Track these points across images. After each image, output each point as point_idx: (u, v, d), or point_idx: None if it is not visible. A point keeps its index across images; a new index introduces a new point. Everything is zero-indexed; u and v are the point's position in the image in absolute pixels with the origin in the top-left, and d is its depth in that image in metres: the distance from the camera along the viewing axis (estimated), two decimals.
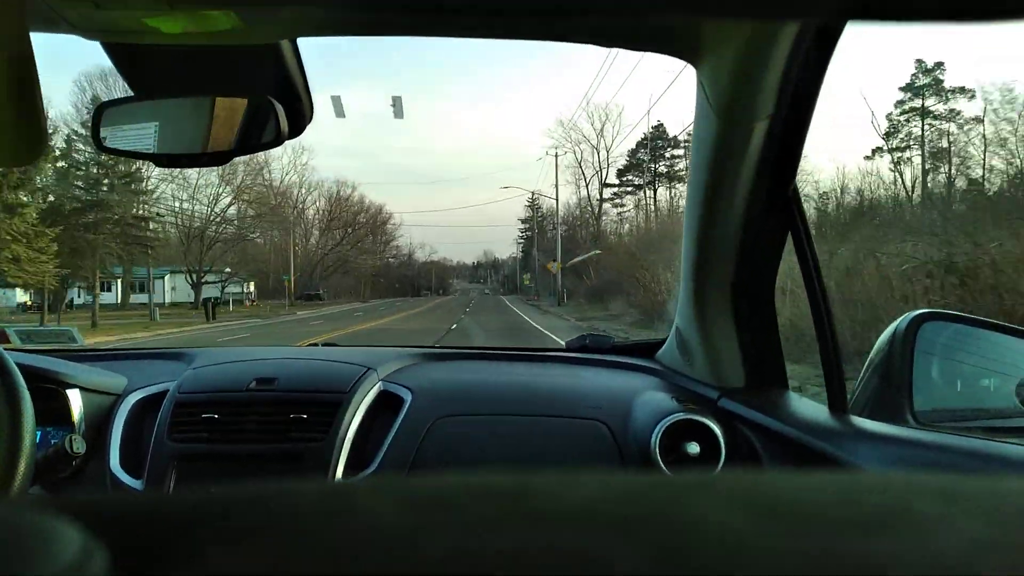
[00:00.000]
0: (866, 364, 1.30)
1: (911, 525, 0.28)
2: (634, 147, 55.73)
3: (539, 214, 76.59)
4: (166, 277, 45.47)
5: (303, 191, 65.94)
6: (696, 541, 0.26)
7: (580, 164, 57.70)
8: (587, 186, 58.24)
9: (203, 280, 42.18)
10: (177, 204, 43.99)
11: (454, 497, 0.30)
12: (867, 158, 34.45)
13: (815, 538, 0.27)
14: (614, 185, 57.80)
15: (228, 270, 47.18)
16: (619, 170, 57.42)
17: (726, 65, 1.07)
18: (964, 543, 0.26)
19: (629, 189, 57.17)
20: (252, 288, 53.29)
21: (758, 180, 1.20)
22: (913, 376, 1.22)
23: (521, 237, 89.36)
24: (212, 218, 46.17)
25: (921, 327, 1.25)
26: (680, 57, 1.11)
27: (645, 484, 0.32)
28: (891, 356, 1.24)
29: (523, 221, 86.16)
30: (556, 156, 46.15)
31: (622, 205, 57.91)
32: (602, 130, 56.95)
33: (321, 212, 73.14)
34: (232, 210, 48.64)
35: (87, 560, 0.24)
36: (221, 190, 46.10)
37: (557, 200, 46.04)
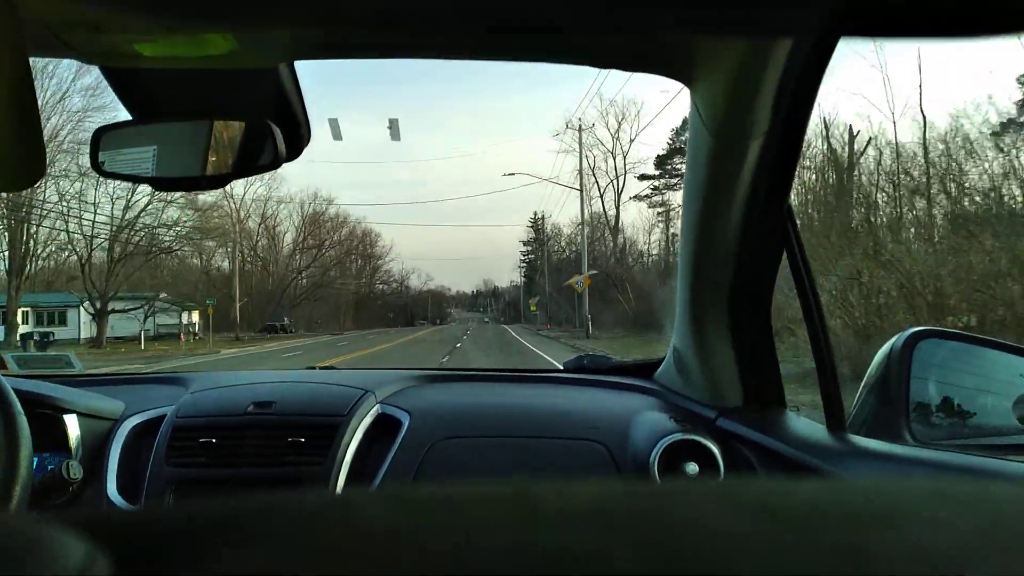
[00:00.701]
0: (863, 382, 1.30)
1: (904, 525, 0.28)
2: (679, 125, 43.24)
3: (543, 235, 69.20)
4: (83, 305, 33.76)
5: (273, 204, 56.02)
6: (694, 541, 0.27)
7: (593, 172, 45.96)
8: (601, 197, 47.19)
9: (108, 308, 31.86)
10: (67, 205, 31.90)
11: (456, 502, 0.30)
12: (995, 134, 24.35)
13: (809, 538, 0.27)
14: (652, 176, 46.74)
15: (163, 296, 37.06)
16: (660, 157, 46.56)
17: (719, 85, 1.08)
18: (957, 542, 0.26)
19: (675, 182, 44.43)
20: (195, 318, 41.84)
21: (753, 198, 1.21)
22: (910, 394, 1.22)
23: (523, 261, 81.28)
24: (121, 224, 33.87)
25: (917, 345, 1.25)
26: (674, 77, 1.12)
27: (644, 489, 0.32)
28: (888, 374, 1.24)
29: (525, 243, 78.39)
30: (580, 126, 35.61)
31: (662, 204, 46.23)
32: (618, 132, 48.63)
33: (297, 229, 62.40)
34: (146, 216, 35.55)
35: (89, 570, 0.24)
36: (135, 189, 31.39)
37: (582, 188, 33.77)
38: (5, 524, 0.31)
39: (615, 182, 47.67)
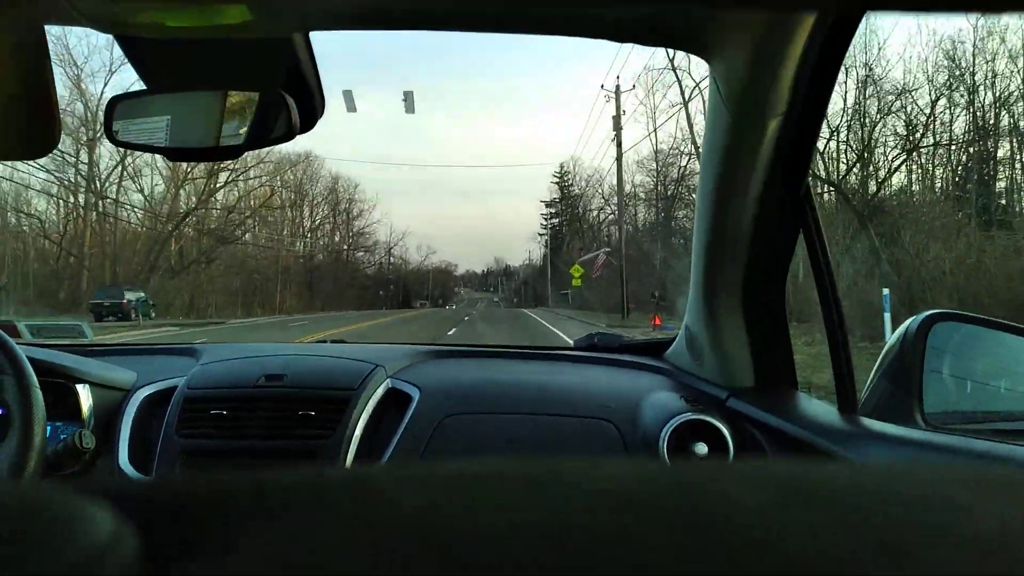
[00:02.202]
0: (876, 365, 1.29)
1: (939, 510, 0.28)
2: None
3: (569, 191, 55.25)
4: None
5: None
6: (717, 520, 0.26)
7: (674, 66, 27.99)
8: (686, 105, 28.44)
9: None
10: None
11: (472, 478, 0.30)
12: None
13: (829, 517, 0.27)
14: None
15: None
16: None
17: (739, 60, 1.07)
18: (996, 528, 0.26)
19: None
20: None
21: (770, 177, 1.19)
22: (924, 377, 1.21)
23: (545, 227, 63.18)
24: None
25: (932, 328, 1.24)
26: (694, 52, 1.11)
27: (662, 468, 0.32)
28: (901, 357, 1.24)
29: (548, 204, 62.02)
30: None
31: None
32: None
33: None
34: None
35: (118, 541, 0.24)
36: None
37: None
38: (30, 494, 0.31)
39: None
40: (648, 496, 0.29)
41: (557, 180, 60.48)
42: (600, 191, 49.21)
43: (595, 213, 51.17)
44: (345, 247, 58.24)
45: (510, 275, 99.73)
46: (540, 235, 66.43)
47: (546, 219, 64.00)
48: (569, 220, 55.83)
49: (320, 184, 53.10)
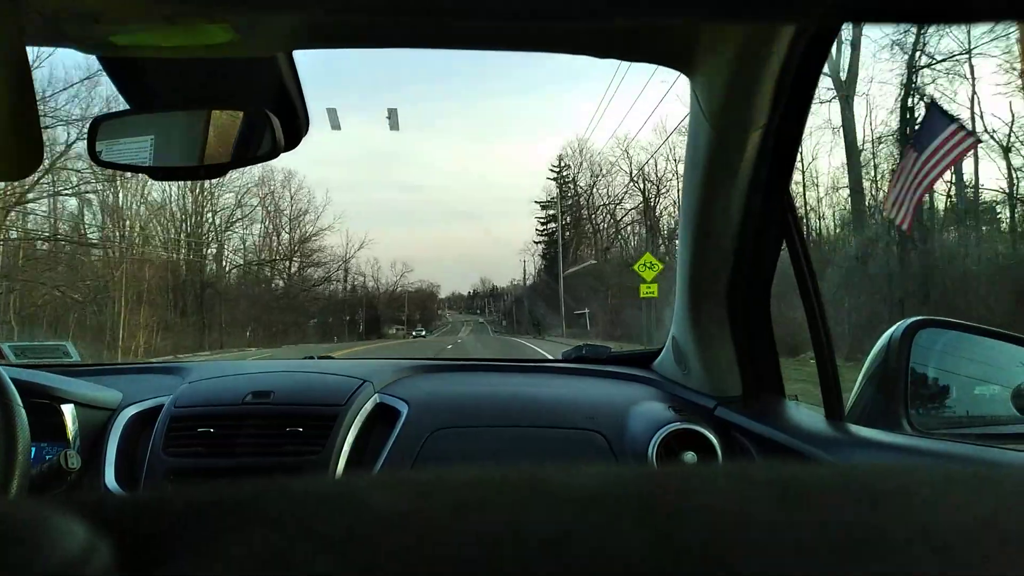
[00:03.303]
0: (862, 372, 1.30)
1: (910, 506, 0.28)
2: None
3: (574, 186, 44.67)
4: None
5: None
6: (698, 522, 0.27)
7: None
8: None
9: None
10: None
11: (458, 485, 0.30)
12: None
13: (814, 516, 0.27)
14: None
15: None
16: None
17: (719, 75, 1.08)
18: (963, 524, 0.27)
19: None
20: None
21: (753, 189, 1.21)
22: (909, 383, 1.23)
23: (541, 233, 51.24)
24: None
25: (916, 334, 1.25)
26: (674, 67, 1.12)
27: (647, 472, 0.32)
28: (887, 363, 1.25)
29: (543, 205, 50.14)
30: None
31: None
32: None
33: None
34: None
35: (91, 554, 0.24)
36: None
37: None
38: (4, 510, 0.31)
39: None
40: (634, 498, 0.29)
41: (555, 175, 47.84)
42: (629, 171, 36.89)
43: (612, 206, 38.78)
44: (279, 256, 43.82)
45: (496, 296, 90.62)
46: (536, 243, 54.12)
47: (543, 222, 51.84)
48: (574, 222, 44.16)
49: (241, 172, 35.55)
